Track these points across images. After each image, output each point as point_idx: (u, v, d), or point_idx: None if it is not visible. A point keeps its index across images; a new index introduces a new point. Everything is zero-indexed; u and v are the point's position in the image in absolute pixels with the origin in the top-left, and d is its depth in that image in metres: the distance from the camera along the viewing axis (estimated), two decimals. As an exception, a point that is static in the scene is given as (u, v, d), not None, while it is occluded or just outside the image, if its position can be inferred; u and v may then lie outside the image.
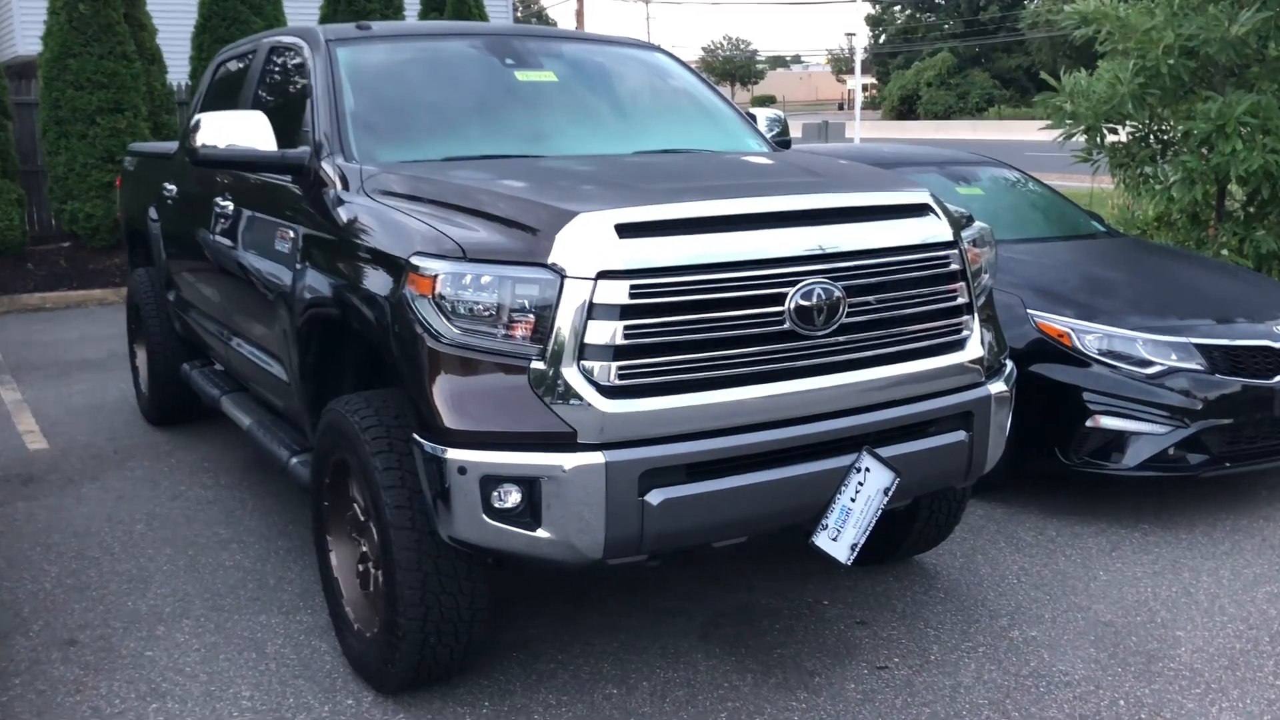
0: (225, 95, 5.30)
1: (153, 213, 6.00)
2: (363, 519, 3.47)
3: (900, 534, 4.15)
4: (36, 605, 4.15)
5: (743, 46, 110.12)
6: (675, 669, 3.62)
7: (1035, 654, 3.71)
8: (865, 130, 32.97)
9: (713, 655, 3.71)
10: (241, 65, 5.20)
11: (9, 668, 3.68)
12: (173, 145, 6.16)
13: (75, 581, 4.36)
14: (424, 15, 14.00)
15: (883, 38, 71.36)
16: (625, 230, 2.98)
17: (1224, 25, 6.81)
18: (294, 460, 4.16)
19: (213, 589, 4.27)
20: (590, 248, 2.94)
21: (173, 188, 5.60)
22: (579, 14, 42.19)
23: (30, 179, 12.17)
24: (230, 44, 5.72)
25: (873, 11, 70.22)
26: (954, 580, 4.28)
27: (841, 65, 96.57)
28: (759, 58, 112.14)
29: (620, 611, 4.01)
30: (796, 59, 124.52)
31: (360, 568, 3.55)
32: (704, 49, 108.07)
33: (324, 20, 12.90)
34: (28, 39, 17.84)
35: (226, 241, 4.63)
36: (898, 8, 71.07)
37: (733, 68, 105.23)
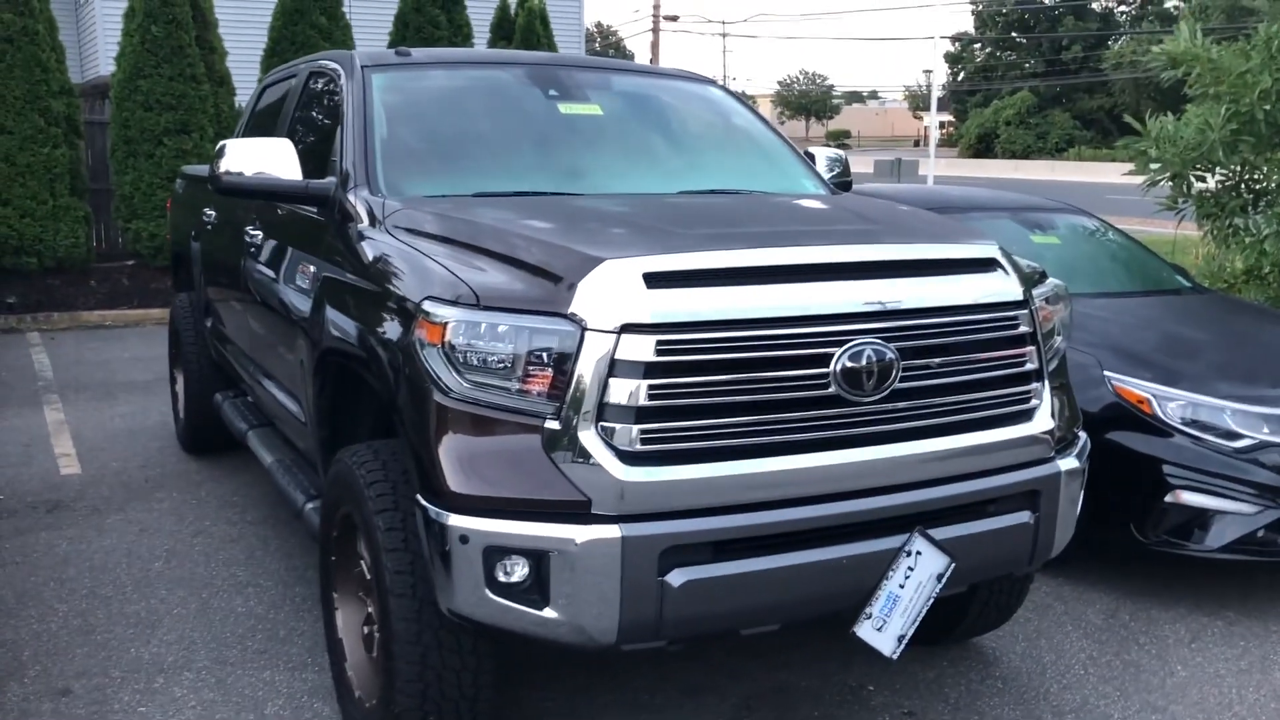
0: (267, 119, 5.15)
1: (194, 237, 5.88)
2: (368, 578, 3.22)
3: (957, 614, 3.79)
4: (38, 648, 3.96)
5: (818, 81, 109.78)
6: (700, 758, 3.31)
7: (1103, 762, 3.33)
8: (940, 168, 32.43)
9: (742, 744, 3.39)
10: (283, 89, 5.04)
11: (-5, 718, 3.49)
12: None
13: (82, 623, 4.17)
14: (493, 42, 13.96)
15: (961, 75, 70.55)
16: (654, 280, 2.70)
17: (1327, 70, 6.38)
18: (309, 506, 3.94)
19: (220, 638, 4.05)
20: (614, 298, 2.66)
21: (212, 213, 5.46)
22: (654, 45, 42.26)
23: (100, 197, 12.29)
24: (277, 69, 5.57)
25: (952, 49, 69.50)
26: (1014, 668, 3.91)
27: (918, 102, 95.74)
28: (835, 93, 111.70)
29: (644, 688, 3.70)
30: (873, 95, 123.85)
31: (365, 630, 3.29)
32: (779, 83, 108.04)
33: (392, 45, 12.89)
34: (111, 60, 18.20)
35: (254, 271, 4.45)
36: (978, 46, 70.26)
37: (808, 102, 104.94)
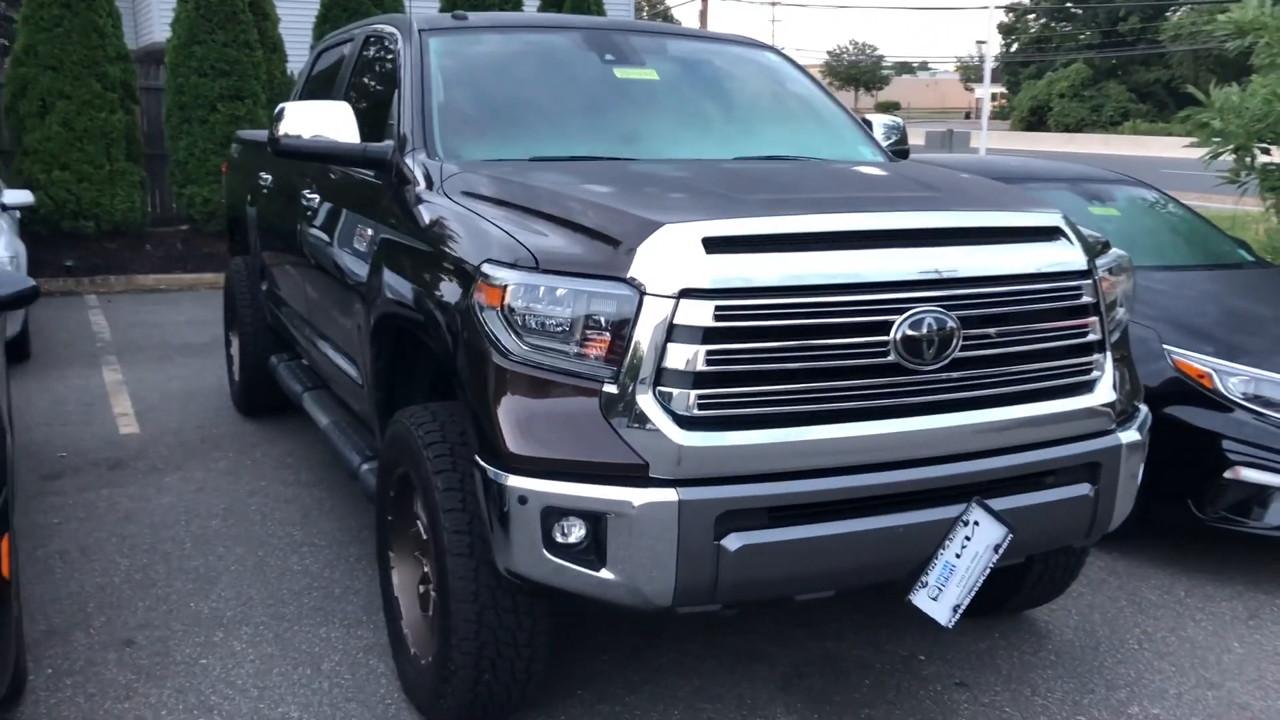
0: (323, 83, 5.18)
1: (250, 201, 5.94)
2: (425, 538, 3.26)
3: (1011, 587, 3.77)
4: (102, 600, 4.06)
5: (868, 52, 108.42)
6: (750, 723, 3.32)
7: (1157, 737, 3.31)
8: (992, 141, 31.94)
9: (794, 710, 3.40)
10: (339, 53, 5.07)
11: (64, 666, 3.57)
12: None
13: (143, 577, 4.26)
14: (544, 8, 13.90)
15: (1014, 46, 69.29)
16: (713, 245, 2.69)
17: (1401, 39, 6.19)
18: (364, 467, 3.99)
19: (277, 594, 4.13)
20: (674, 263, 2.66)
21: (268, 177, 5.51)
22: (702, 14, 41.90)
23: (154, 163, 12.44)
24: (334, 32, 5.60)
25: (1005, 20, 68.25)
26: (1067, 641, 3.88)
27: (970, 73, 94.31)
28: (885, 63, 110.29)
29: (696, 652, 3.72)
30: (924, 65, 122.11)
31: (421, 589, 3.34)
32: (829, 53, 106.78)
33: (443, 11, 12.88)
34: (165, 26, 18.35)
35: (310, 234, 4.49)
36: (1032, 16, 68.95)
37: (857, 72, 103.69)
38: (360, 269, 3.81)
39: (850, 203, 3.07)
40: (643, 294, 2.65)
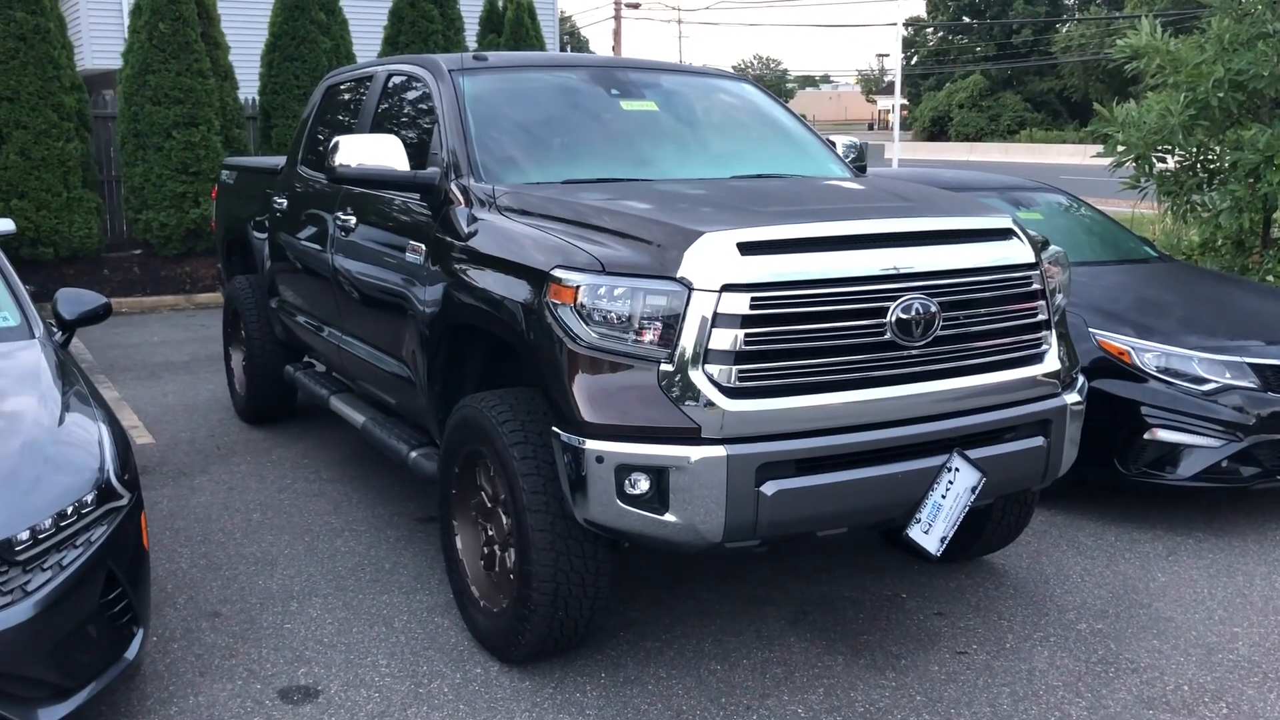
0: (335, 118, 5.71)
1: (258, 224, 6.40)
2: (489, 505, 3.83)
3: (973, 534, 4.47)
4: (178, 582, 4.53)
5: (773, 66, 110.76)
6: (771, 650, 3.96)
7: (1102, 644, 4.02)
8: (902, 152, 33.23)
9: (805, 639, 4.04)
10: (353, 91, 5.60)
11: (166, 634, 4.05)
12: (278, 160, 6.57)
13: (207, 562, 4.74)
14: (482, 36, 14.47)
15: (914, 59, 71.64)
16: (746, 248, 3.33)
17: (1273, 60, 7.13)
18: (414, 454, 4.53)
19: (334, 571, 4.64)
20: (715, 263, 3.29)
21: (282, 201, 5.99)
22: (616, 33, 42.71)
23: (102, 188, 12.66)
24: (339, 69, 6.12)
25: (906, 34, 70.51)
26: (1022, 578, 4.60)
27: (871, 85, 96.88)
28: (789, 77, 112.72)
29: (713, 600, 4.35)
30: (825, 79, 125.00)
31: (485, 550, 3.91)
32: (734, 68, 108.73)
33: (388, 39, 13.39)
34: (96, 53, 18.47)
35: (348, 251, 5.00)
36: (930, 30, 71.38)
37: (764, 87, 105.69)
38: (408, 281, 4.35)
39: (848, 212, 3.75)
40: (691, 289, 3.28)
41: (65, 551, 3.09)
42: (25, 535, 3.01)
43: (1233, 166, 7.60)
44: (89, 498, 3.20)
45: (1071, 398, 3.90)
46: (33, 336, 4.21)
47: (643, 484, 3.29)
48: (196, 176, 11.91)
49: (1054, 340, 3.86)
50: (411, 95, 4.92)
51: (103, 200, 12.35)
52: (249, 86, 13.21)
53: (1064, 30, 59.74)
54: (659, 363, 3.30)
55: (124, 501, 3.35)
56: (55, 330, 4.43)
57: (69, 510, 3.12)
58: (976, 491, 3.62)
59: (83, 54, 19.12)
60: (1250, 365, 5.07)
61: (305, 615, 4.24)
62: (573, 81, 4.89)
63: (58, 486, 3.17)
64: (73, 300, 4.53)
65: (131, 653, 3.31)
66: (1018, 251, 3.78)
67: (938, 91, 65.26)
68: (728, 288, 3.27)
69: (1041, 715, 3.54)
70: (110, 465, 3.36)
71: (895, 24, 27.66)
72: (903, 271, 3.47)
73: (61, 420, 3.50)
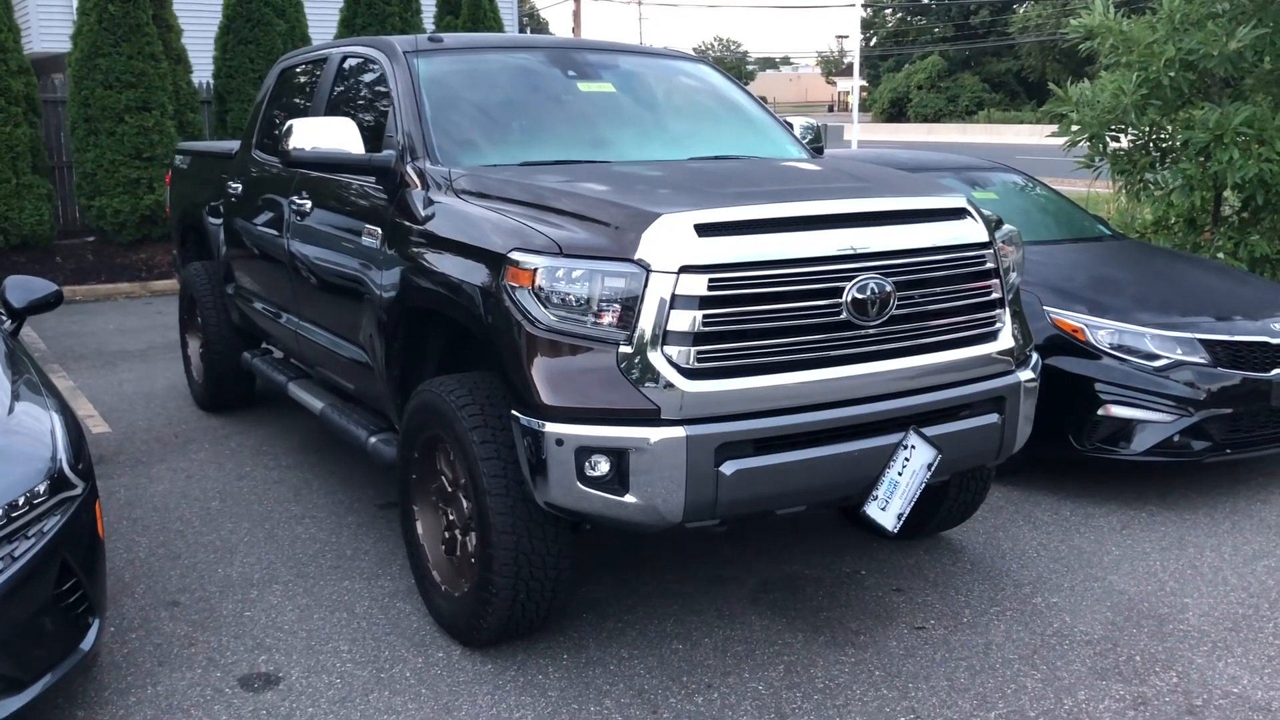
0: (289, 101, 5.64)
1: (213, 210, 6.33)
2: (450, 490, 3.83)
3: (930, 511, 4.51)
4: (135, 571, 4.49)
5: (733, 48, 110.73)
6: (732, 628, 3.99)
7: (1058, 617, 4.08)
8: (861, 133, 33.36)
9: (765, 617, 4.08)
10: (307, 73, 5.54)
11: (123, 624, 4.02)
12: (232, 145, 6.49)
13: (166, 551, 4.70)
14: (440, 18, 14.34)
15: (874, 40, 71.90)
16: (704, 230, 3.34)
17: (1222, 40, 7.21)
18: (374, 440, 4.51)
19: (294, 558, 4.62)
20: (673, 245, 3.29)
21: (237, 186, 5.93)
22: (576, 15, 42.49)
23: (53, 175, 12.45)
24: (294, 52, 6.05)
25: (864, 15, 70.71)
26: (979, 554, 4.66)
27: (831, 67, 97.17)
28: (749, 59, 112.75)
29: (675, 579, 4.37)
30: (786, 60, 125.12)
31: (446, 535, 3.90)
32: (694, 50, 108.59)
33: (344, 21, 13.25)
34: (44, 36, 18.11)
35: (303, 236, 4.96)
36: (889, 11, 71.65)
37: (723, 69, 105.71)
38: (364, 265, 4.33)
39: (804, 193, 3.76)
40: (649, 271, 3.28)
41: (16, 543, 3.05)
42: (-24, 526, 2.98)
43: (1184, 145, 7.68)
44: (41, 488, 3.16)
45: (1026, 375, 3.95)
46: (-19, 325, 4.13)
47: (603, 466, 3.30)
48: (150, 162, 11.75)
49: (1008, 318, 3.90)
50: (366, 77, 4.87)
51: (54, 187, 12.16)
52: (203, 70, 13.03)
53: (1021, 11, 60.17)
54: (618, 345, 3.30)
55: (78, 491, 3.31)
56: (4, 319, 4.34)
57: (20, 501, 3.09)
58: (932, 468, 3.66)
59: (30, 37, 18.76)
60: (1201, 341, 5.16)
61: (265, 603, 4.22)
62: (530, 63, 4.87)
63: (8, 477, 3.13)
64: (22, 287, 4.46)
65: (88, 644, 3.28)
66: (972, 231, 3.81)
67: (896, 73, 65.56)
68: (685, 269, 3.28)
69: (998, 688, 3.60)
70: (63, 454, 3.32)
71: (854, 4, 27.67)
72: (858, 251, 3.50)
73: (11, 410, 3.46)
